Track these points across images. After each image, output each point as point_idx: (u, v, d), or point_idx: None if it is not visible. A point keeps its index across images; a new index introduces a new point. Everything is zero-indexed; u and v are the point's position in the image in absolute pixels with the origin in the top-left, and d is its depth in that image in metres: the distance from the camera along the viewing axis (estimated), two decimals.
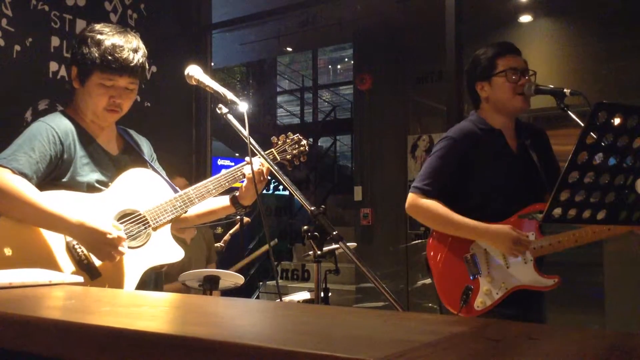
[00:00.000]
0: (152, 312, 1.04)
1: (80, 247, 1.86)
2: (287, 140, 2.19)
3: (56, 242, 1.85)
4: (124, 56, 1.93)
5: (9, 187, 1.76)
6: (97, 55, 1.92)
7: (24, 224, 1.82)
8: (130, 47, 1.95)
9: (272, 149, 2.17)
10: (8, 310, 1.00)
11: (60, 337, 0.88)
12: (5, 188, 1.76)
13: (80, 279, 1.47)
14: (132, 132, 2.20)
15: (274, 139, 2.20)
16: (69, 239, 1.86)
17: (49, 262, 1.82)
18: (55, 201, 1.82)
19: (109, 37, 1.95)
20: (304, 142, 2.20)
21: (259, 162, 2.03)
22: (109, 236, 1.80)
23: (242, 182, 2.12)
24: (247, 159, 1.94)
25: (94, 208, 1.89)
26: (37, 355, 0.91)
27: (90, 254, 1.85)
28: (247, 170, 2.05)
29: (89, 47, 1.93)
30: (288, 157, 2.18)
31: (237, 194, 2.13)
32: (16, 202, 1.77)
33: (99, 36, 1.95)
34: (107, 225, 1.84)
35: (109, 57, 1.91)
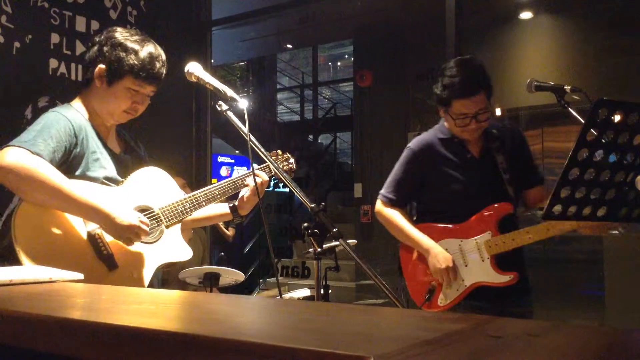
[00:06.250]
0: (153, 309, 1.04)
1: (100, 239, 1.86)
2: (279, 157, 2.32)
3: (78, 231, 1.86)
4: (157, 67, 2.01)
5: (34, 169, 1.75)
6: (135, 62, 1.97)
7: (46, 211, 1.81)
8: (162, 59, 2.04)
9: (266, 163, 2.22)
10: (8, 307, 1.00)
11: (61, 335, 0.88)
12: (30, 170, 1.75)
13: (81, 276, 1.47)
14: (126, 133, 2.23)
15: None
16: (90, 228, 1.86)
17: (69, 250, 1.82)
18: (79, 188, 1.83)
19: (143, 46, 2.01)
20: (292, 160, 2.34)
21: (262, 174, 2.11)
22: (134, 222, 1.84)
23: (243, 191, 2.19)
24: (254, 166, 1.99)
25: (111, 200, 1.90)
26: (38, 352, 0.91)
27: (110, 246, 1.87)
28: (249, 180, 2.14)
29: (127, 52, 1.98)
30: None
31: (237, 202, 2.20)
32: (41, 184, 1.75)
33: (132, 44, 1.99)
34: (133, 213, 1.88)
35: (147, 67, 1.98)
